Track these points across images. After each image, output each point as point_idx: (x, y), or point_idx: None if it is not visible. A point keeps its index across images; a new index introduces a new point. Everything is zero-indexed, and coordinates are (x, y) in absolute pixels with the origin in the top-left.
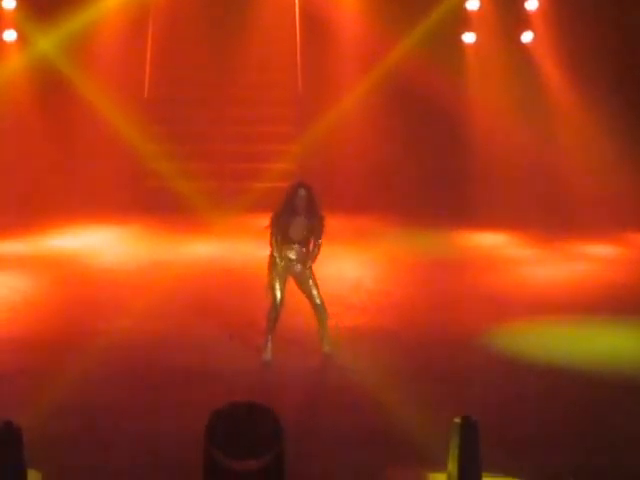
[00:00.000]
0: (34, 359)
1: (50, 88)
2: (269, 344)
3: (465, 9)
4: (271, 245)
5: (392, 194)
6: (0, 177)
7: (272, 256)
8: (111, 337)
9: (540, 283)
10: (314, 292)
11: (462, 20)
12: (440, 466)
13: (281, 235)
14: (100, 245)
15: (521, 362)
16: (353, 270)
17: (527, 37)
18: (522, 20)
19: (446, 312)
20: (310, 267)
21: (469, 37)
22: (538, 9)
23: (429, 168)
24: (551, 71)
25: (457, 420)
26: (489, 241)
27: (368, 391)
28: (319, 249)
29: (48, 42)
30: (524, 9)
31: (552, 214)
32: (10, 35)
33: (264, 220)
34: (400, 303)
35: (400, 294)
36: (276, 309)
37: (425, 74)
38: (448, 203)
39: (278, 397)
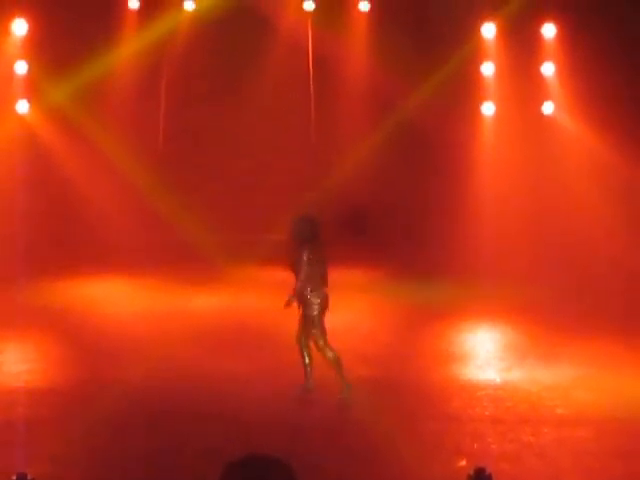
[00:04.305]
0: (49, 409)
1: (65, 140)
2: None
3: (480, 73)
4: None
5: (405, 246)
6: (13, 229)
7: (304, 309)
8: (126, 386)
9: (551, 333)
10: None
11: (478, 83)
12: None
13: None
14: (115, 296)
15: (534, 412)
16: (366, 321)
17: (548, 107)
18: (540, 85)
19: (459, 363)
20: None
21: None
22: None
23: (442, 222)
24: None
25: (471, 473)
26: (499, 295)
27: (384, 440)
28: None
29: (63, 94)
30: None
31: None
32: (23, 106)
33: (277, 272)
34: (413, 354)
35: (413, 345)
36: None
37: (438, 125)
38: (458, 259)
39: (293, 446)
